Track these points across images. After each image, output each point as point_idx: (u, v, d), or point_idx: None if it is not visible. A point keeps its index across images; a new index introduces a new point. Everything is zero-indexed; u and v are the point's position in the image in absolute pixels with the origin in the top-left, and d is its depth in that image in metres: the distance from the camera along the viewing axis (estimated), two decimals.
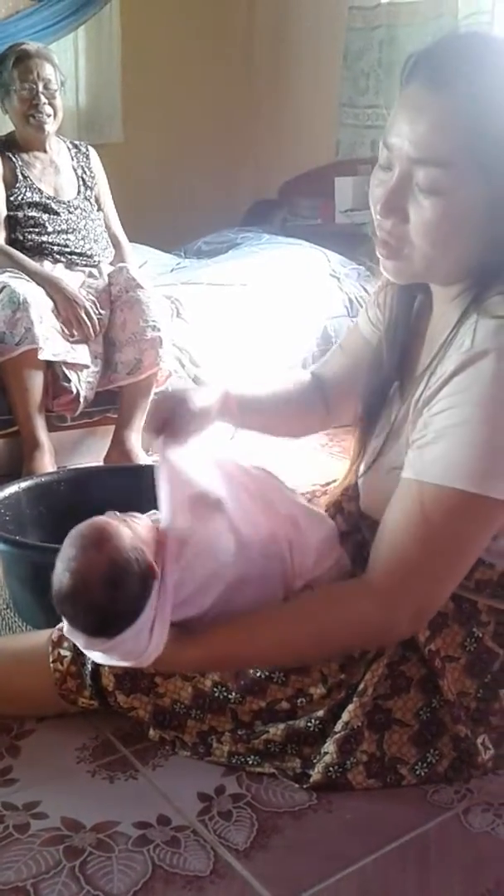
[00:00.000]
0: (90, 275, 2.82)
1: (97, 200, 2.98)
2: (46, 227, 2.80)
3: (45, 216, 2.80)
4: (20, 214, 2.78)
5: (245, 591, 1.24)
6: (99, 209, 2.97)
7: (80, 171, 2.94)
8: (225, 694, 1.33)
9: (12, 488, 1.89)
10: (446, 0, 3.49)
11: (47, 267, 2.75)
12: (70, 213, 2.85)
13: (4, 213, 2.77)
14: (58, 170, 2.90)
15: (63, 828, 1.25)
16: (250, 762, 1.34)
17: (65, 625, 1.20)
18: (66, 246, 2.81)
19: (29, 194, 2.80)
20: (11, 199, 2.78)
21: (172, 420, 1.28)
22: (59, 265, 2.79)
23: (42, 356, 2.51)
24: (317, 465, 2.66)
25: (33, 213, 2.79)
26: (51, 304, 2.62)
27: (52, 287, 2.64)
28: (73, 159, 2.95)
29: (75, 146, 2.99)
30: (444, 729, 1.30)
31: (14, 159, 2.83)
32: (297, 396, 1.54)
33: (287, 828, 1.25)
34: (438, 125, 1.09)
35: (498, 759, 1.34)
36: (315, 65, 4.23)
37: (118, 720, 1.42)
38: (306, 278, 3.28)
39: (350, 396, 1.45)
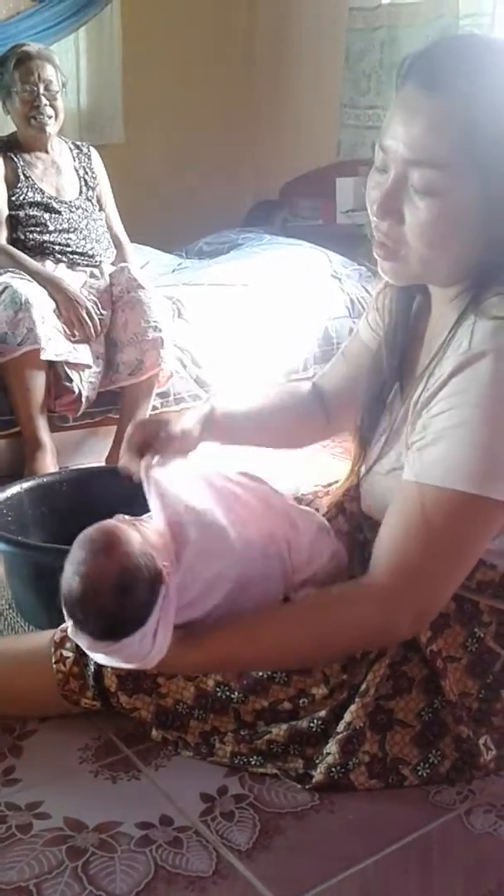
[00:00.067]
0: (92, 275, 2.82)
1: (99, 201, 2.98)
2: (48, 227, 2.80)
3: (47, 215, 2.80)
4: (22, 214, 2.78)
5: (248, 592, 1.24)
6: (100, 209, 2.97)
7: (81, 172, 2.95)
8: (228, 694, 1.33)
9: (14, 489, 1.89)
10: (447, 1, 3.49)
11: (49, 267, 2.76)
12: (72, 212, 2.85)
13: (6, 212, 2.77)
14: (59, 170, 2.90)
15: (65, 828, 1.25)
16: (253, 763, 1.34)
17: (69, 626, 1.20)
18: (68, 245, 2.81)
19: (31, 194, 2.80)
20: (13, 198, 2.78)
21: (153, 443, 1.30)
22: (61, 265, 2.79)
23: (44, 356, 2.51)
24: (319, 465, 2.66)
25: (35, 213, 2.79)
26: (53, 304, 2.62)
27: (53, 287, 2.64)
28: (74, 160, 2.95)
29: (77, 147, 3.00)
30: (446, 729, 1.30)
31: (16, 159, 2.83)
32: (292, 407, 1.54)
33: (289, 828, 1.25)
34: (433, 126, 1.09)
35: (500, 760, 1.34)
36: (316, 65, 4.24)
37: (120, 720, 1.42)
38: (308, 279, 3.28)
39: (351, 404, 1.45)
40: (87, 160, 2.98)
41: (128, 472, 1.33)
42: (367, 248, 1.22)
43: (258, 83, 4.52)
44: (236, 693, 1.33)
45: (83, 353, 2.64)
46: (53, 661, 1.40)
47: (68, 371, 2.60)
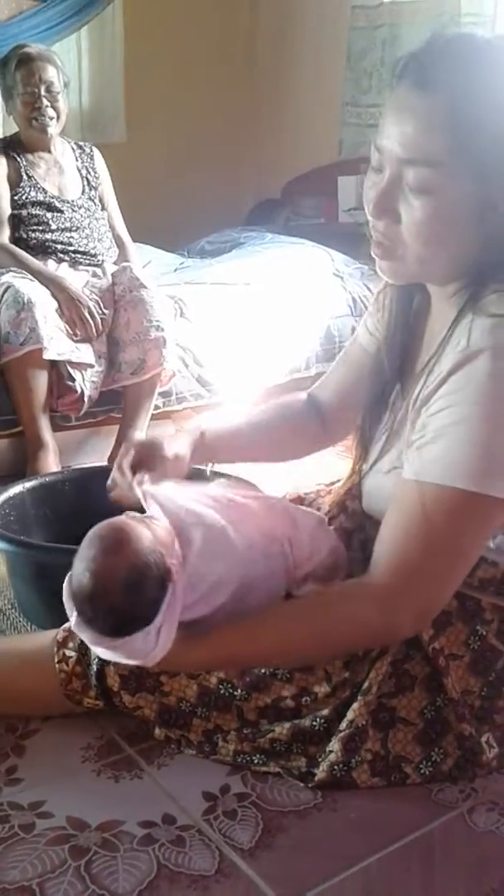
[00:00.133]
0: (94, 274, 2.82)
1: (101, 200, 2.98)
2: (50, 225, 2.80)
3: (49, 214, 2.81)
4: (24, 213, 2.78)
5: (254, 591, 1.25)
6: (103, 209, 2.98)
7: (84, 172, 2.95)
8: (230, 691, 1.33)
9: (17, 488, 1.89)
10: None
11: (51, 266, 2.76)
12: (74, 211, 2.86)
13: (8, 212, 2.77)
14: (62, 170, 2.91)
15: (68, 827, 1.25)
16: (255, 761, 1.34)
17: (72, 620, 1.20)
18: (70, 244, 2.82)
19: (33, 193, 2.81)
20: (16, 198, 2.79)
21: (147, 461, 1.33)
22: (64, 264, 2.79)
23: (47, 356, 2.51)
24: (321, 464, 2.66)
25: (37, 212, 2.80)
26: (55, 303, 2.62)
27: (55, 287, 2.65)
28: (77, 160, 2.96)
29: (80, 147, 3.00)
30: (449, 727, 1.30)
31: (19, 159, 2.83)
32: (286, 419, 1.54)
33: (292, 827, 1.25)
34: (426, 125, 1.10)
35: (502, 758, 1.34)
36: (318, 64, 4.23)
37: (123, 719, 1.42)
38: (310, 278, 3.28)
39: (350, 410, 1.45)
40: (89, 160, 2.98)
41: (113, 487, 1.34)
42: (369, 246, 1.22)
43: (260, 82, 4.52)
44: (239, 690, 1.33)
45: (85, 353, 2.64)
46: (56, 660, 1.40)
47: (71, 370, 2.60)
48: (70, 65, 3.87)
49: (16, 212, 2.78)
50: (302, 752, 1.32)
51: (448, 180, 1.10)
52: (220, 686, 1.34)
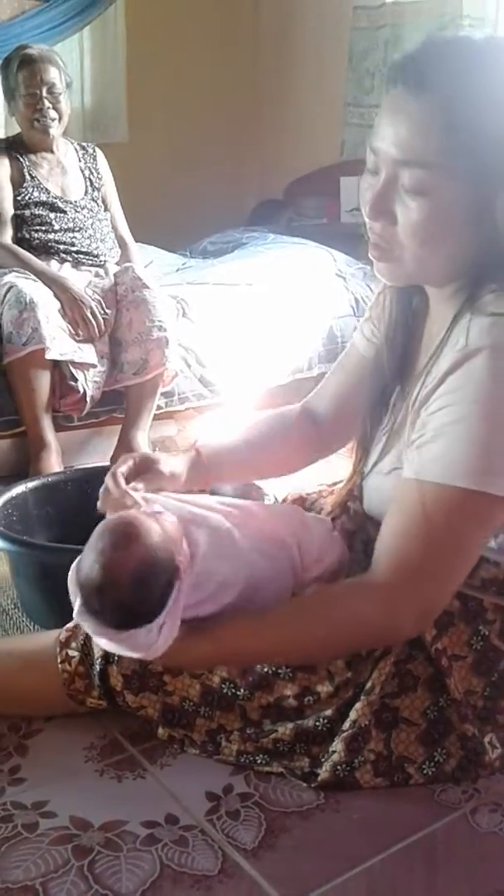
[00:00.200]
0: (96, 274, 2.83)
1: (104, 201, 2.99)
2: (53, 226, 2.80)
3: (52, 214, 2.81)
4: (27, 213, 2.79)
5: (261, 592, 1.25)
6: (105, 209, 2.98)
7: (87, 172, 2.96)
8: (233, 690, 1.34)
9: (19, 488, 1.89)
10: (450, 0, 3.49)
11: (54, 266, 2.76)
12: (77, 212, 2.86)
13: (11, 212, 2.78)
14: (65, 170, 2.91)
15: (71, 827, 1.25)
16: (258, 761, 1.34)
17: (76, 610, 1.20)
18: (73, 244, 2.82)
19: (36, 194, 2.81)
20: (19, 198, 2.79)
21: (143, 473, 1.32)
22: (66, 264, 2.80)
23: (49, 356, 2.51)
24: (323, 465, 2.66)
25: (40, 212, 2.80)
26: (57, 304, 2.62)
27: (57, 287, 2.65)
28: (80, 160, 2.96)
29: (83, 147, 3.01)
30: (452, 728, 1.30)
31: (21, 160, 2.84)
32: (282, 433, 1.54)
33: (295, 827, 1.25)
34: (420, 127, 1.10)
35: None
36: (320, 65, 4.23)
37: (126, 719, 1.43)
38: (312, 278, 3.28)
39: (349, 416, 1.45)
40: (92, 161, 2.99)
41: (105, 496, 1.32)
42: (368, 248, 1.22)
43: (262, 82, 4.52)
44: (242, 689, 1.33)
45: (88, 353, 2.64)
46: (59, 660, 1.40)
47: (73, 370, 2.60)
48: (72, 65, 3.88)
49: (19, 212, 2.78)
50: (305, 752, 1.32)
51: (443, 181, 1.10)
52: (223, 685, 1.34)
